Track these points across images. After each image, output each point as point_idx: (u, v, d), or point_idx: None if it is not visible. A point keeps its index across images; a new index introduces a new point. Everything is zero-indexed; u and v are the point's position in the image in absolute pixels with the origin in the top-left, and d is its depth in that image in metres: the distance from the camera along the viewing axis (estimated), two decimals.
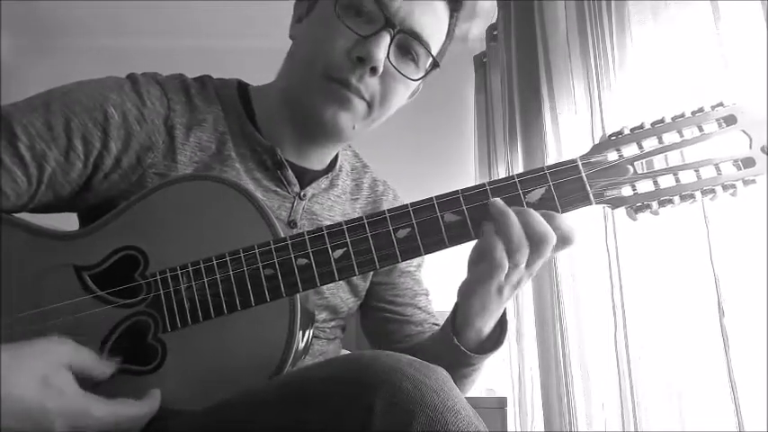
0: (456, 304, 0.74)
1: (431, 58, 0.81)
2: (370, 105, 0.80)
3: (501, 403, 1.73)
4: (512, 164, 1.85)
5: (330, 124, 0.79)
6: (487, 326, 0.74)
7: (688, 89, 0.99)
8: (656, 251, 1.07)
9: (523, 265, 0.67)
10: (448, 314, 0.78)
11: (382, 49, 0.75)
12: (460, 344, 0.74)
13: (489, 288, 0.68)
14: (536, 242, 0.65)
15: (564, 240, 0.66)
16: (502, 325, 0.76)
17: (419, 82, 0.87)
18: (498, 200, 0.66)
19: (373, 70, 0.76)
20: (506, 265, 0.66)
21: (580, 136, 1.39)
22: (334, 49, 0.76)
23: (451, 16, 0.83)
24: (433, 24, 0.79)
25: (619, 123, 0.69)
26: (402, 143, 2.37)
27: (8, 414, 0.54)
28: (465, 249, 0.71)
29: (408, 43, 0.79)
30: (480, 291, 0.69)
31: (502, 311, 0.75)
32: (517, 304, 1.80)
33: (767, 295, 0.81)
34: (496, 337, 0.76)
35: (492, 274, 0.67)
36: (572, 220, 0.67)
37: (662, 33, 1.09)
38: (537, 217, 0.65)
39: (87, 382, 0.60)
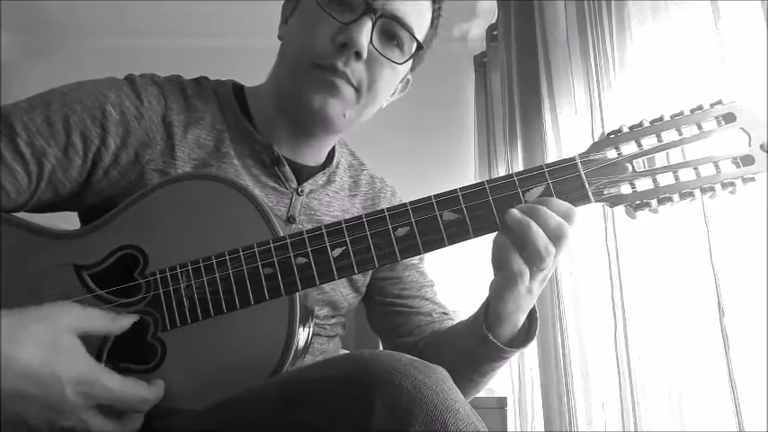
0: (487, 302, 0.75)
1: (415, 43, 0.82)
2: (358, 91, 0.81)
3: (501, 403, 1.73)
4: (512, 163, 1.85)
5: (320, 112, 0.79)
6: (521, 320, 0.75)
7: (688, 89, 0.99)
8: (656, 251, 1.07)
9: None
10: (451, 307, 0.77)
11: (365, 34, 0.76)
12: (495, 340, 0.74)
13: (519, 291, 0.69)
14: (554, 239, 0.65)
15: (567, 220, 0.66)
16: (530, 317, 0.77)
17: (409, 72, 0.88)
18: (515, 211, 0.66)
19: (357, 55, 0.77)
20: (527, 272, 0.67)
21: (580, 136, 1.39)
22: (318, 37, 0.78)
23: (434, 2, 0.85)
24: (414, 11, 0.81)
25: (618, 123, 0.69)
26: (402, 143, 2.37)
27: (16, 379, 0.54)
28: (466, 248, 0.72)
29: (392, 28, 0.80)
30: (510, 295, 0.70)
31: (533, 305, 0.75)
32: None
33: (767, 295, 0.81)
34: (526, 329, 0.77)
35: (516, 283, 0.68)
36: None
37: (662, 33, 1.09)
38: (549, 213, 0.65)
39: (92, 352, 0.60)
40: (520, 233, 0.65)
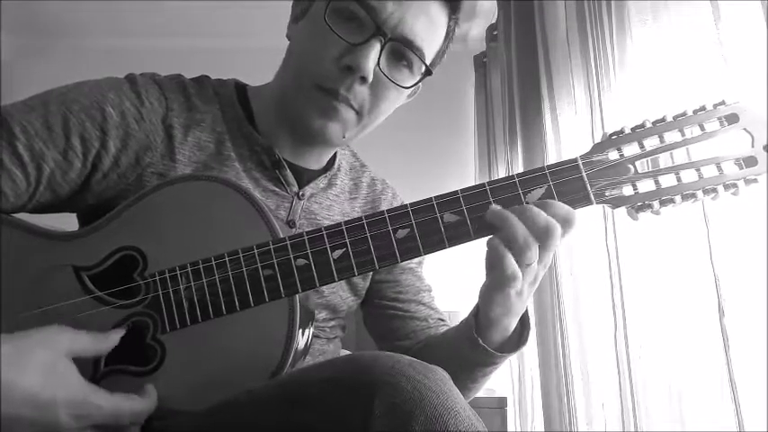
0: (477, 306, 0.74)
1: (425, 67, 0.80)
2: (359, 113, 0.79)
3: (501, 403, 1.73)
4: (512, 164, 1.85)
5: (319, 134, 0.79)
6: (512, 324, 0.74)
7: (688, 89, 0.99)
8: (656, 251, 1.07)
9: (536, 262, 0.66)
10: (448, 312, 0.77)
11: (372, 58, 0.74)
12: (485, 344, 0.73)
13: (508, 294, 0.68)
14: (542, 236, 0.65)
15: (566, 224, 0.66)
16: (523, 321, 0.76)
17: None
18: (495, 206, 0.66)
19: (363, 79, 0.75)
20: (519, 274, 0.66)
21: (580, 136, 1.39)
22: (323, 57, 0.75)
23: (449, 18, 0.82)
24: (427, 30, 0.78)
25: (619, 123, 0.69)
26: (402, 143, 2.37)
27: (13, 404, 0.54)
28: (466, 249, 0.71)
29: (401, 49, 0.77)
30: (500, 297, 0.69)
31: (524, 309, 0.74)
32: None
33: (767, 295, 0.80)
34: (518, 334, 0.76)
35: (508, 285, 0.67)
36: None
37: (662, 33, 1.08)
38: (536, 211, 0.65)
39: (87, 374, 0.60)
40: (502, 227, 0.65)
